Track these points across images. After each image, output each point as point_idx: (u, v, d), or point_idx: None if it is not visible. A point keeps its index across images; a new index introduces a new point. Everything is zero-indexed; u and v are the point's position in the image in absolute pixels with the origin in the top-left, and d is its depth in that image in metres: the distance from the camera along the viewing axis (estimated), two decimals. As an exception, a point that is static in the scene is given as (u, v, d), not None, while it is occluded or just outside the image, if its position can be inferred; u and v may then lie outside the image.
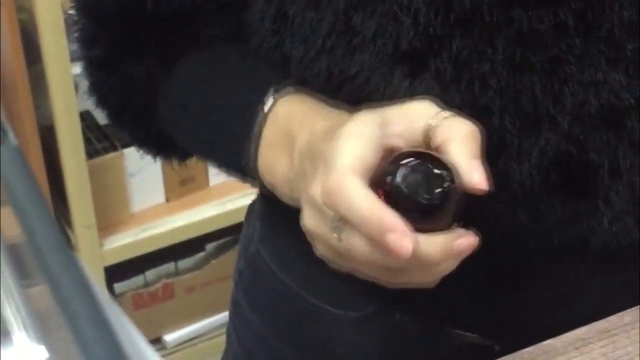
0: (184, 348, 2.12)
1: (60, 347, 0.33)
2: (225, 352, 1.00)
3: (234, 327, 0.96)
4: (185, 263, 2.06)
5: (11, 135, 0.43)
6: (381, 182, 0.59)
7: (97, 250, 1.87)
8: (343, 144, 0.59)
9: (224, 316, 2.15)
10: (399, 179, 0.58)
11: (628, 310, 0.75)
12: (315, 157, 0.63)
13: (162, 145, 0.87)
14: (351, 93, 0.68)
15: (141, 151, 0.89)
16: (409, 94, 0.66)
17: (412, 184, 0.58)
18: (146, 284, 2.04)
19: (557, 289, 0.74)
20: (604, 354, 0.78)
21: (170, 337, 2.11)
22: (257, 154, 0.71)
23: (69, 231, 1.88)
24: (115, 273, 1.97)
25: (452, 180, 0.59)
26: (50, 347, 0.33)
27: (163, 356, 2.11)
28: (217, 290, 2.08)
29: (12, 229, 0.37)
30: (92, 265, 1.88)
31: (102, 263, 1.89)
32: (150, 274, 2.04)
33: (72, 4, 0.84)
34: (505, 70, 0.65)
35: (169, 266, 2.05)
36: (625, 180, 0.67)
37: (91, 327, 0.38)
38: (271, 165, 0.70)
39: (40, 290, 0.35)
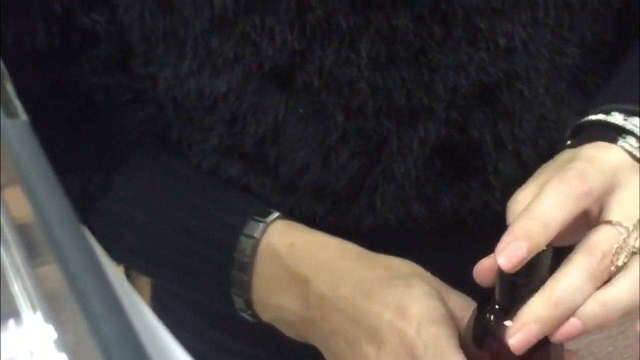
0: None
1: (70, 326, 0.33)
2: None
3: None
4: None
5: (20, 110, 0.42)
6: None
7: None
8: (436, 335, 0.60)
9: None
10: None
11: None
12: (363, 321, 0.62)
13: None
14: (226, 111, 0.68)
15: None
16: (282, 108, 0.67)
17: None
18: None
19: (463, 268, 0.75)
20: (622, 332, 0.78)
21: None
22: (250, 285, 0.68)
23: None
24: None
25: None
26: (59, 327, 0.33)
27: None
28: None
29: (21, 208, 0.37)
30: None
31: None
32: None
33: None
34: (372, 72, 0.66)
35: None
36: (510, 150, 0.69)
37: (101, 306, 0.38)
38: (274, 302, 0.68)
39: (50, 270, 0.35)
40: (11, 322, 0.35)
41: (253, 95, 0.67)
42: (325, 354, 0.66)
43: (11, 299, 0.36)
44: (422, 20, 0.66)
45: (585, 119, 0.63)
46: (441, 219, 0.70)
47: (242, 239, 0.68)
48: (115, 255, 0.76)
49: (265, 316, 0.70)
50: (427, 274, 0.65)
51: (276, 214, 0.69)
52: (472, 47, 0.67)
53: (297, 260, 0.67)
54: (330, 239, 0.68)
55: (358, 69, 0.66)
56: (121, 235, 0.74)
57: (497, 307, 0.58)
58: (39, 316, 0.34)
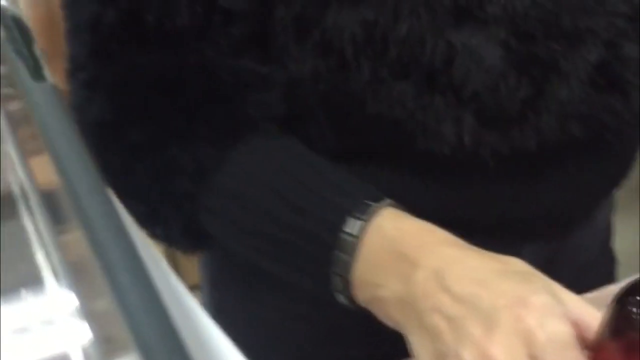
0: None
1: (92, 294, 0.33)
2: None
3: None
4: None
5: (47, 74, 0.41)
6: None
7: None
8: (561, 330, 0.58)
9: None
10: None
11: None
12: (473, 303, 0.60)
13: (197, 242, 0.77)
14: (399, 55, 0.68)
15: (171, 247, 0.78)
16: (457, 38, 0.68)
17: None
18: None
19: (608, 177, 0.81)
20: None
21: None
22: (353, 264, 0.66)
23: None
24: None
25: None
26: (82, 295, 0.32)
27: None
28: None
29: (47, 176, 0.37)
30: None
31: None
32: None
33: (86, 82, 0.72)
34: None
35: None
36: None
37: (127, 275, 0.37)
38: (374, 280, 0.66)
39: (74, 237, 0.35)
40: (33, 290, 0.35)
41: (430, 25, 0.68)
42: (415, 334, 0.63)
43: (34, 266, 0.35)
44: None
45: None
46: (596, 135, 0.73)
47: (351, 219, 0.67)
48: (218, 230, 0.75)
49: (362, 296, 0.68)
50: (543, 275, 0.62)
51: (387, 200, 0.68)
52: None
53: (406, 243, 0.65)
54: (440, 229, 0.66)
55: None
56: (228, 208, 0.74)
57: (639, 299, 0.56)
58: (61, 283, 0.34)
